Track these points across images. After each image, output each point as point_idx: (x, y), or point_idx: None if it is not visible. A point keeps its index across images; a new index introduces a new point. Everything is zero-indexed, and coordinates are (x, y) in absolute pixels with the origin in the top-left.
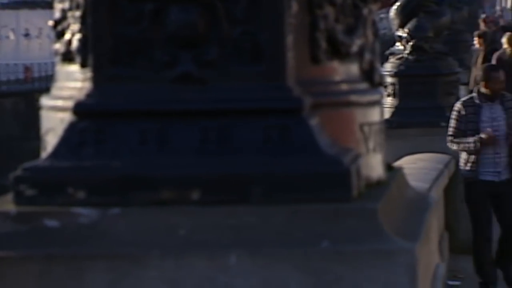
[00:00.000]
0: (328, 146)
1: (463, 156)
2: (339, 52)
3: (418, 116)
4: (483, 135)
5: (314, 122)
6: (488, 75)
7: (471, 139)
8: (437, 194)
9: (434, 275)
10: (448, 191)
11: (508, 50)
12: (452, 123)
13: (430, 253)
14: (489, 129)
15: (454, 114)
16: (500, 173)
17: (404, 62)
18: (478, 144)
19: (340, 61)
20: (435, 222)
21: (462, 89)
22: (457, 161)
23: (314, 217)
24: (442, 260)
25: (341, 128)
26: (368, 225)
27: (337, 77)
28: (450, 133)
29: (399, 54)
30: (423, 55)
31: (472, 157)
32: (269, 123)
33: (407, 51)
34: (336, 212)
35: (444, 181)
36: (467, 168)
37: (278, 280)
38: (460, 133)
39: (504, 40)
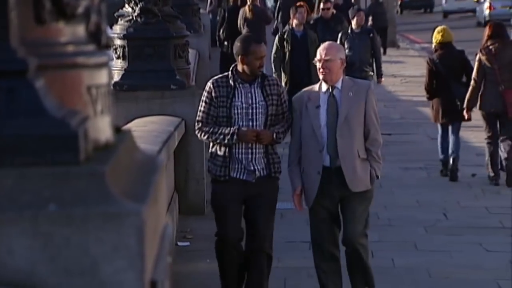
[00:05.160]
0: (55, 109)
1: (212, 149)
2: (64, 13)
3: (149, 79)
4: (243, 129)
5: (40, 84)
6: (247, 48)
7: (226, 131)
8: (166, 157)
9: (163, 236)
10: (178, 154)
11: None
12: (202, 106)
13: (159, 215)
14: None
15: (204, 95)
16: (255, 172)
17: (133, 24)
18: (235, 137)
19: (65, 22)
20: (163, 184)
21: (192, 53)
22: (186, 123)
23: (43, 181)
24: (171, 221)
25: (68, 90)
26: (96, 188)
27: (63, 39)
28: (198, 118)
29: (128, 16)
30: (152, 17)
31: (223, 150)
32: None
33: (135, 14)
34: (65, 175)
35: (174, 143)
36: (216, 164)
37: (5, 245)
38: (210, 118)
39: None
